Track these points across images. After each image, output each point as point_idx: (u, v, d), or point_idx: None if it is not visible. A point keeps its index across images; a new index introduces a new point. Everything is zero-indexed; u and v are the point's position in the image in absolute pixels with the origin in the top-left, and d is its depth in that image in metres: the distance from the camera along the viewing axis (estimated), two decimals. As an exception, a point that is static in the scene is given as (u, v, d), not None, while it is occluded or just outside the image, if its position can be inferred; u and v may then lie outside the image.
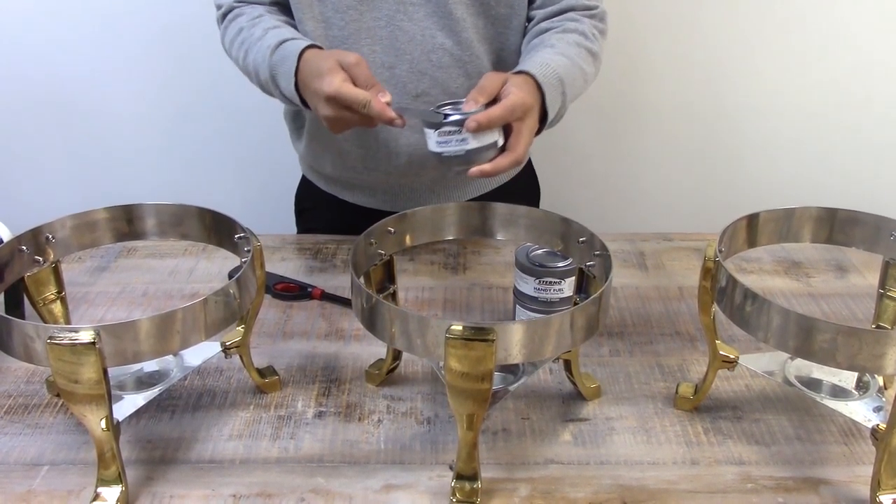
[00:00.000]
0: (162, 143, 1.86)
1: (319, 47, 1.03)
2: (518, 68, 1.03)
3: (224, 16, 1.16)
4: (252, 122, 1.83)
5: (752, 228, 0.88)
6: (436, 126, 0.93)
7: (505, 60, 1.18)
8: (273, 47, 1.04)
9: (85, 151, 1.87)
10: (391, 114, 0.94)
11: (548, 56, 1.05)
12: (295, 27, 1.13)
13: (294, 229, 1.43)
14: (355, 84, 0.95)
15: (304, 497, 0.77)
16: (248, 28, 1.10)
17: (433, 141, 0.95)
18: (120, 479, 0.75)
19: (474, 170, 0.94)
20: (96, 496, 0.74)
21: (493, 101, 0.94)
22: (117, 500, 0.74)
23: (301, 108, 1.07)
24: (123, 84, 1.79)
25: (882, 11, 1.70)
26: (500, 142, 0.95)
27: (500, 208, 0.91)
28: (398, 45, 1.11)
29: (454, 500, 0.75)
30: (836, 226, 0.88)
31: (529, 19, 1.17)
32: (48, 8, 1.70)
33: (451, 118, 0.92)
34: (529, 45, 1.13)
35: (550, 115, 1.02)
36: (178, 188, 1.87)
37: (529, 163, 1.40)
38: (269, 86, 1.07)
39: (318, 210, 1.36)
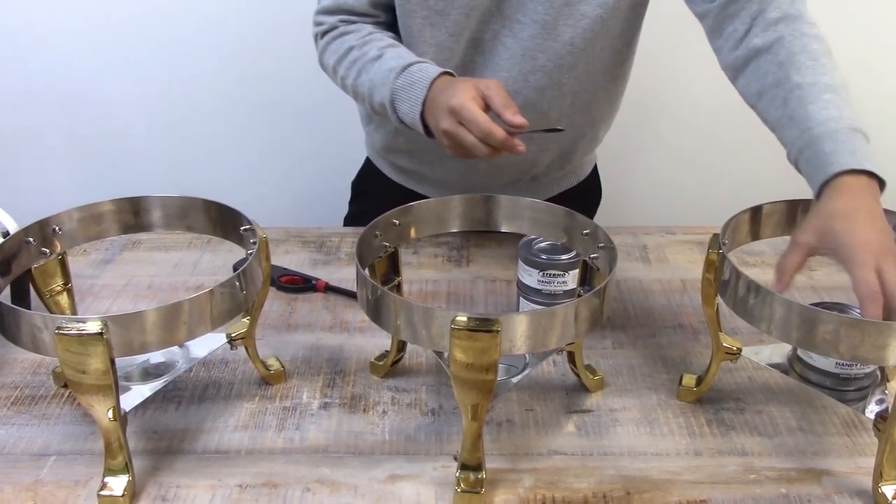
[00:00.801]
0: (170, 135, 1.86)
1: (451, 73, 1.01)
2: (815, 173, 0.82)
3: (325, 33, 1.12)
4: (259, 115, 1.84)
5: (755, 221, 0.88)
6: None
7: (615, 73, 1.16)
8: (397, 70, 1.00)
9: (91, 144, 1.87)
10: (513, 142, 0.91)
11: (827, 114, 0.84)
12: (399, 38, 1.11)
13: (297, 219, 1.44)
14: (489, 107, 0.93)
15: (309, 487, 0.77)
16: (360, 47, 1.07)
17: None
18: (127, 468, 0.75)
19: None
20: (103, 486, 0.75)
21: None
22: (124, 490, 0.74)
23: (420, 134, 1.02)
24: (131, 76, 1.79)
25: (884, 10, 1.71)
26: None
27: (505, 201, 0.91)
28: (497, 61, 1.09)
29: (459, 490, 0.75)
30: (839, 218, 0.88)
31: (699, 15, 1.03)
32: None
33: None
34: (771, 98, 0.90)
35: (873, 169, 0.80)
36: (189, 179, 1.88)
37: (595, 167, 1.40)
38: (385, 108, 1.03)
39: (378, 194, 1.35)
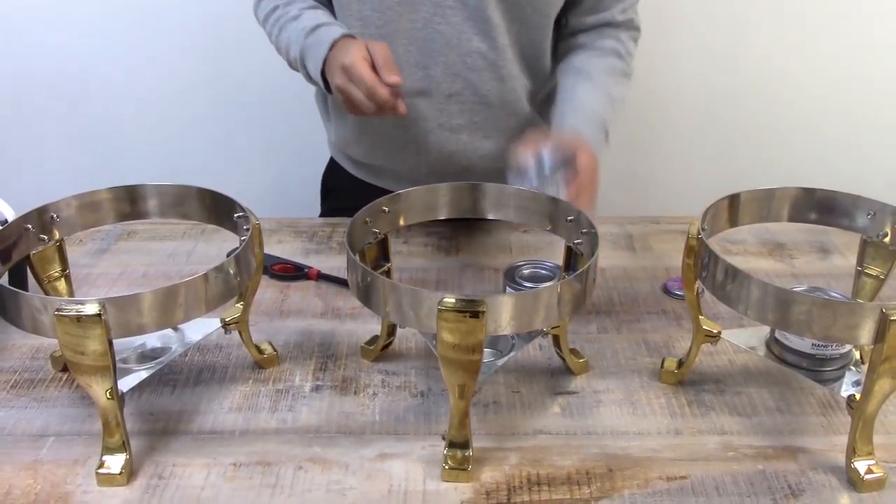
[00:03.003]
0: (165, 126, 1.88)
1: (353, 36, 1.07)
2: (565, 121, 1.11)
3: None
4: (249, 110, 1.85)
5: (733, 208, 0.91)
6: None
7: (534, 65, 1.21)
8: (308, 30, 1.09)
9: (88, 133, 1.88)
10: (395, 103, 1.00)
11: (590, 100, 1.13)
12: (327, 6, 1.18)
13: (298, 211, 1.45)
14: (373, 63, 1.00)
15: (301, 465, 0.79)
16: (284, 6, 1.16)
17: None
18: (124, 447, 0.77)
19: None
20: (101, 464, 0.77)
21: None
22: (122, 468, 0.76)
23: (325, 91, 1.10)
24: (127, 66, 1.80)
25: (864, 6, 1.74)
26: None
27: (491, 189, 0.94)
28: (434, 48, 1.13)
29: (446, 467, 0.77)
30: (815, 205, 0.91)
31: (560, 21, 1.19)
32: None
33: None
34: (566, 72, 1.18)
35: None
36: (181, 170, 1.89)
37: None
38: (297, 64, 1.12)
39: (344, 192, 1.38)
